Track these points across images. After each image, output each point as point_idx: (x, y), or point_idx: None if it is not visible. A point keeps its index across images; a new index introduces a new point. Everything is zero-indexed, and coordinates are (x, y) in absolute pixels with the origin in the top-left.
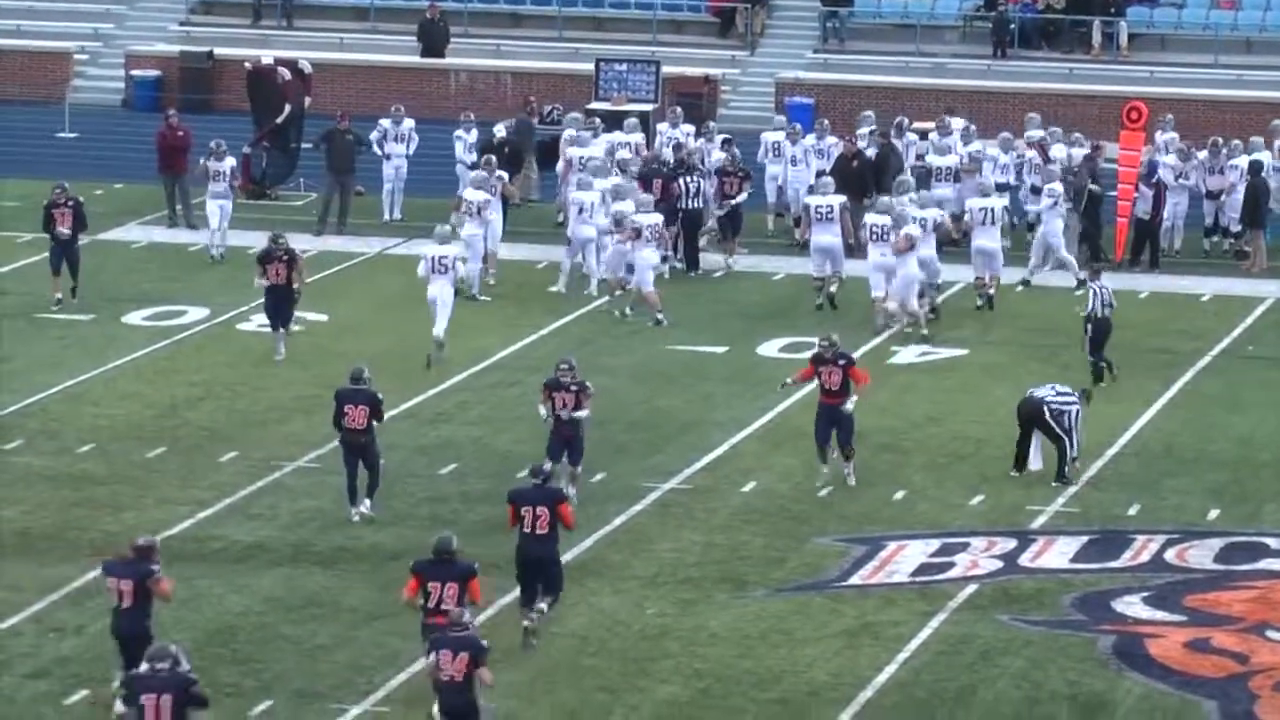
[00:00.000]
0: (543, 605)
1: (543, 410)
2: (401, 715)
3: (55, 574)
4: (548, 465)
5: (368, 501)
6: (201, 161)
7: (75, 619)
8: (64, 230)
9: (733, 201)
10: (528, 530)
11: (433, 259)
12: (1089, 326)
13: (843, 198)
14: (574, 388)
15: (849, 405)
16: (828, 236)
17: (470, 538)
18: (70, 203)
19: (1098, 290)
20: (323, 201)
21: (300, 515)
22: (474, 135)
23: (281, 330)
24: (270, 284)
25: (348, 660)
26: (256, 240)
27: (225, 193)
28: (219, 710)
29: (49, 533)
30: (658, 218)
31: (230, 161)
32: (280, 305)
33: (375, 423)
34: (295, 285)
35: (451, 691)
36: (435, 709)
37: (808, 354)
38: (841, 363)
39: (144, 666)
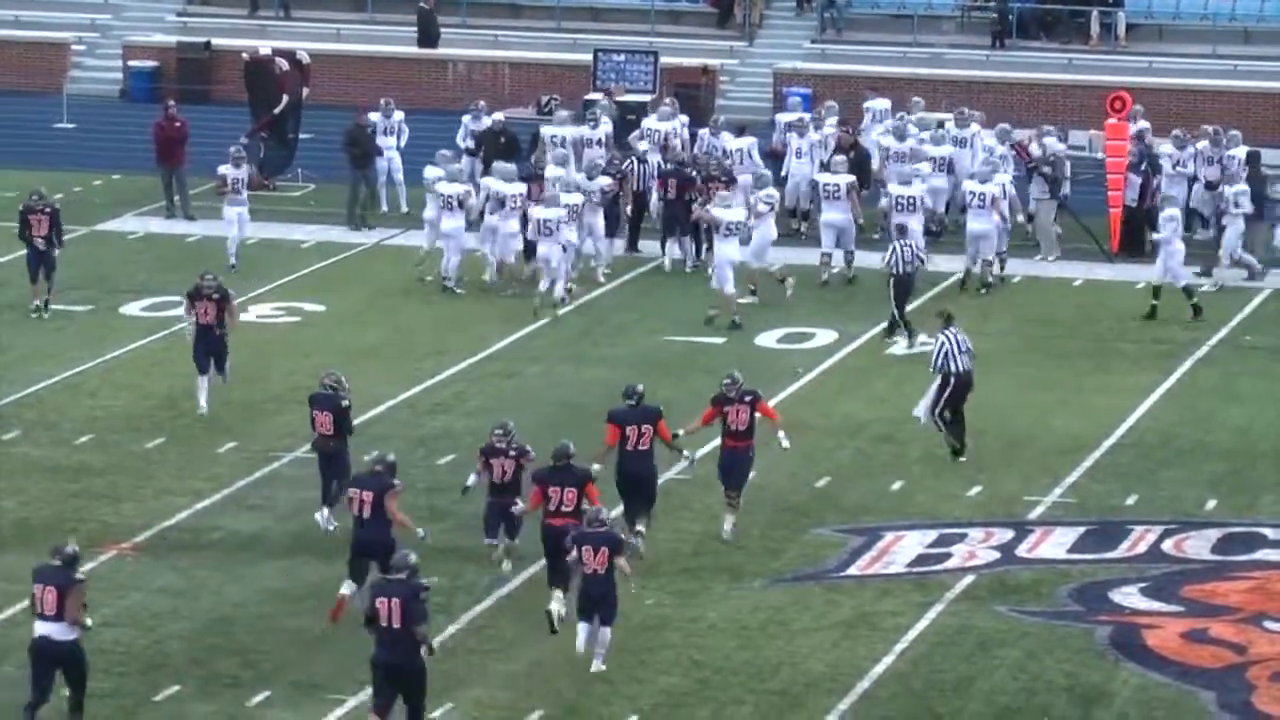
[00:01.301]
0: (641, 527)
1: (471, 479)
2: (400, 705)
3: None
4: (638, 387)
5: (326, 511)
6: (220, 170)
7: None
8: (39, 237)
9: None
10: (630, 448)
11: (445, 197)
12: (890, 282)
13: (852, 177)
14: (513, 453)
15: (785, 443)
16: (836, 214)
17: (469, 530)
18: (47, 209)
19: (899, 248)
20: (351, 197)
21: (298, 506)
22: (486, 123)
23: (211, 377)
24: (200, 324)
25: (346, 651)
26: (255, 230)
27: (244, 200)
28: (216, 701)
29: (47, 523)
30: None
31: (246, 169)
32: (211, 347)
33: (345, 433)
34: (227, 327)
35: (594, 582)
36: (553, 605)
37: (809, 344)
38: (748, 399)
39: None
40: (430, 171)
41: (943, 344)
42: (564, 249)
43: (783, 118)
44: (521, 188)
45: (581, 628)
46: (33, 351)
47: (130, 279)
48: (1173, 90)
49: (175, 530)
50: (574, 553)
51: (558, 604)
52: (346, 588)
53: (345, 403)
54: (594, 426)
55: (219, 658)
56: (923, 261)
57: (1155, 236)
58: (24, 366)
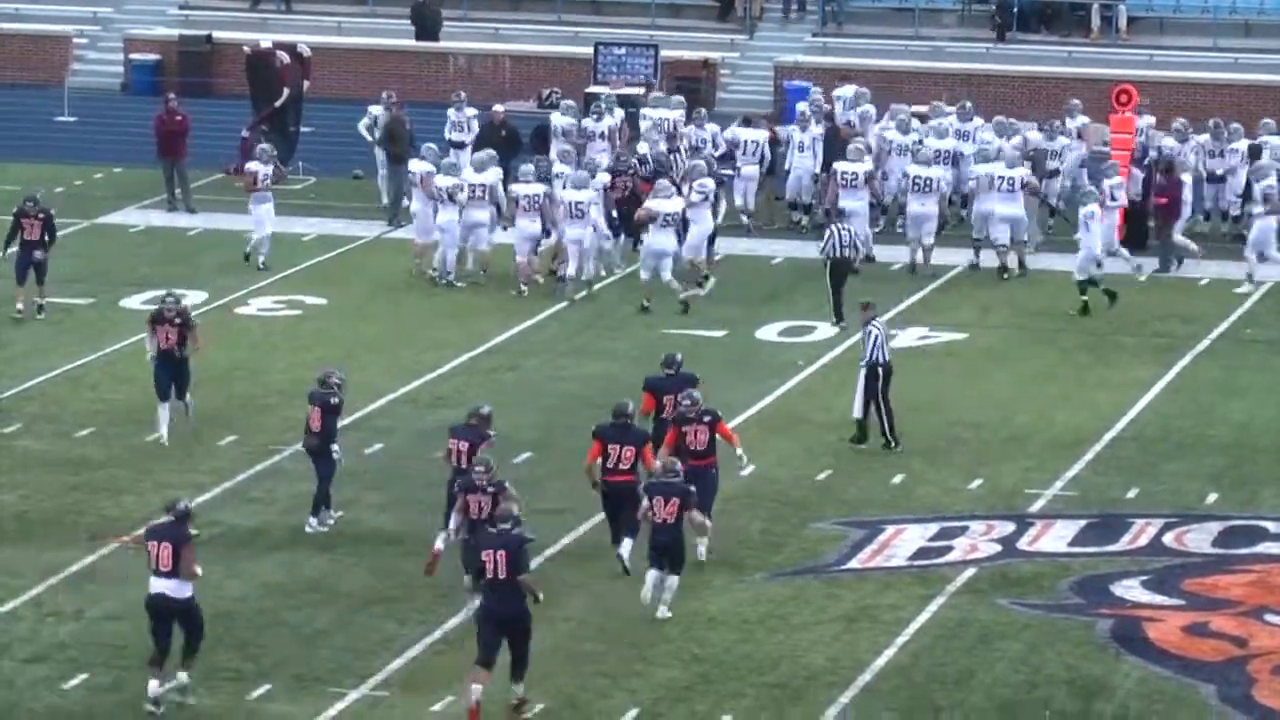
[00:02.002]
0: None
1: (453, 522)
2: (401, 698)
3: (54, 558)
4: (677, 356)
5: (312, 519)
6: (249, 166)
7: (74, 603)
8: (34, 243)
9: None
10: (666, 416)
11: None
12: (826, 266)
13: (870, 165)
14: (490, 489)
15: (747, 466)
16: (854, 202)
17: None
18: (41, 214)
19: (837, 231)
20: (391, 192)
21: (299, 499)
22: (469, 113)
23: (172, 404)
24: (162, 349)
25: (346, 644)
26: (253, 224)
27: (270, 197)
28: (216, 694)
29: (47, 517)
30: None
31: (274, 167)
32: (172, 373)
33: (332, 428)
34: (190, 352)
35: (662, 531)
36: (622, 549)
37: (809, 338)
38: (708, 419)
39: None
40: (416, 165)
41: (875, 335)
42: (594, 229)
43: (802, 106)
44: (494, 175)
45: (650, 575)
46: (34, 345)
47: (131, 272)
48: (1174, 83)
49: None
50: (645, 502)
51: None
52: (440, 541)
53: (335, 400)
54: (595, 418)
55: (219, 651)
56: (860, 249)
57: (1076, 236)
58: (25, 360)
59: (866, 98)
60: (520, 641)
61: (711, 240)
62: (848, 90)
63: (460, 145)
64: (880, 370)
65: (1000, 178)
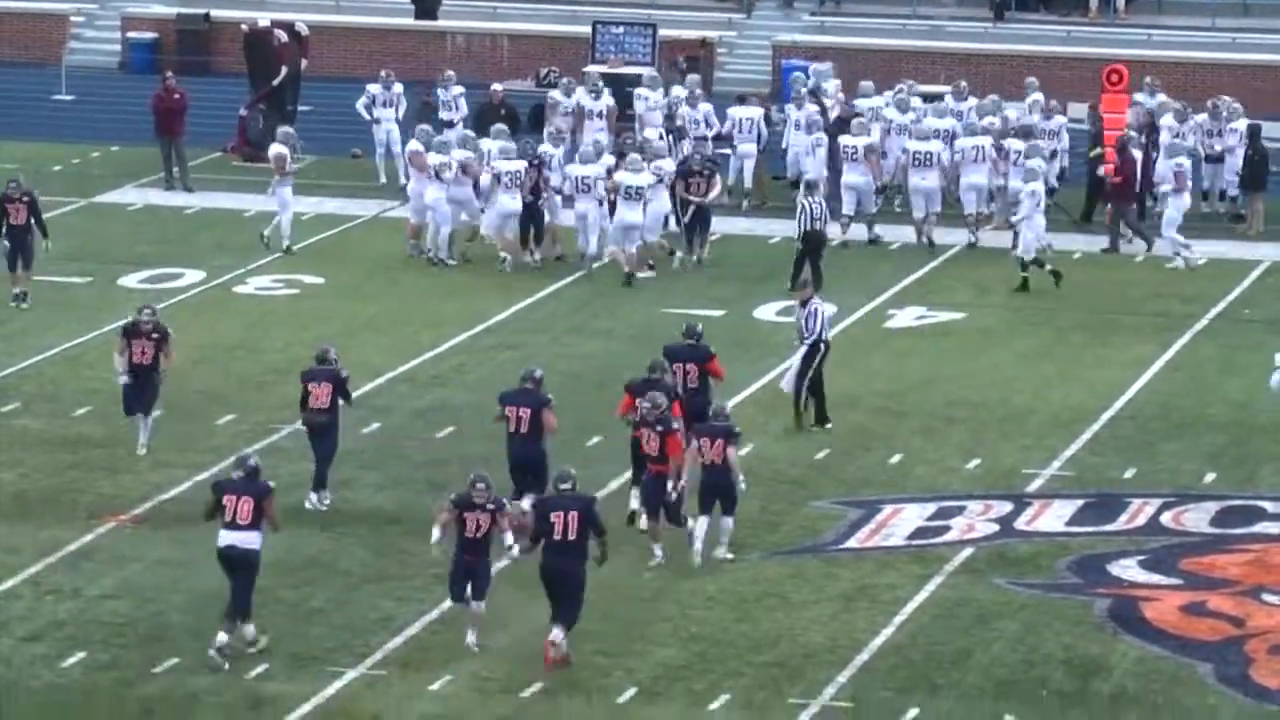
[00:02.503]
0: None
1: (435, 534)
2: (398, 677)
3: (52, 536)
4: (698, 326)
5: (314, 495)
6: (273, 149)
7: (72, 582)
8: (21, 228)
9: (694, 200)
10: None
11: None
12: (799, 238)
13: (873, 139)
14: (490, 507)
15: (673, 492)
16: (856, 176)
17: None
18: (25, 197)
19: (809, 205)
20: None
21: (297, 478)
22: (456, 91)
23: (142, 418)
24: (134, 365)
25: (344, 623)
26: (251, 203)
27: (292, 180)
28: (214, 676)
29: (46, 495)
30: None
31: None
32: (143, 389)
33: (342, 402)
34: (162, 368)
35: (712, 472)
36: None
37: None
38: (660, 429)
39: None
40: (411, 144)
41: (819, 311)
42: (600, 204)
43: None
44: (460, 155)
45: (701, 521)
46: (31, 323)
47: (129, 251)
48: (1172, 63)
49: (174, 502)
50: (693, 444)
51: (636, 501)
52: (527, 501)
53: (345, 374)
54: (593, 397)
55: (218, 630)
56: (825, 223)
57: (1014, 219)
58: (23, 338)
59: (827, 75)
60: (572, 601)
61: (706, 223)
62: (821, 67)
63: (449, 124)
64: (822, 347)
65: (1017, 152)
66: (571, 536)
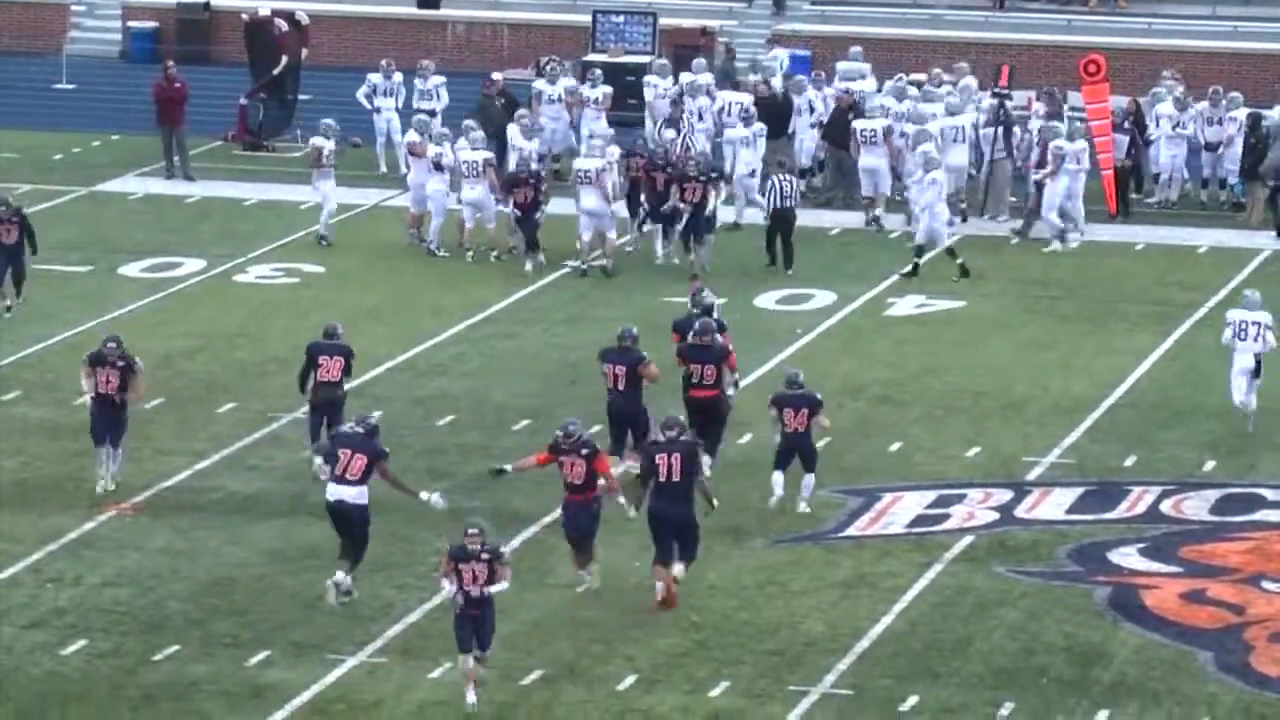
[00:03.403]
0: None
1: (446, 585)
2: (399, 665)
3: (53, 524)
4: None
5: (320, 460)
6: (312, 141)
7: (73, 569)
8: (13, 247)
9: (683, 206)
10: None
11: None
12: (768, 217)
13: (889, 122)
14: (485, 556)
15: (630, 512)
16: (873, 159)
17: (467, 491)
18: (15, 217)
19: (778, 183)
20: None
21: (297, 466)
22: (560, 87)
23: (108, 449)
24: (99, 394)
25: (345, 611)
26: (251, 191)
27: (332, 173)
28: (215, 661)
29: (46, 484)
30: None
31: (334, 142)
32: (111, 419)
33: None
34: (129, 401)
35: (796, 438)
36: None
37: (808, 305)
38: (585, 452)
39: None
40: (410, 134)
41: (770, 184)
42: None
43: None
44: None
45: (777, 476)
46: (32, 312)
47: (130, 239)
48: (1172, 52)
49: (174, 490)
50: (773, 412)
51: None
52: (628, 462)
53: (352, 349)
54: (593, 387)
55: (218, 618)
56: (795, 202)
57: (916, 207)
58: (24, 327)
59: (966, 71)
60: (689, 542)
61: (705, 229)
62: (782, 54)
63: (431, 114)
64: (770, 218)
65: (955, 129)
66: (675, 478)
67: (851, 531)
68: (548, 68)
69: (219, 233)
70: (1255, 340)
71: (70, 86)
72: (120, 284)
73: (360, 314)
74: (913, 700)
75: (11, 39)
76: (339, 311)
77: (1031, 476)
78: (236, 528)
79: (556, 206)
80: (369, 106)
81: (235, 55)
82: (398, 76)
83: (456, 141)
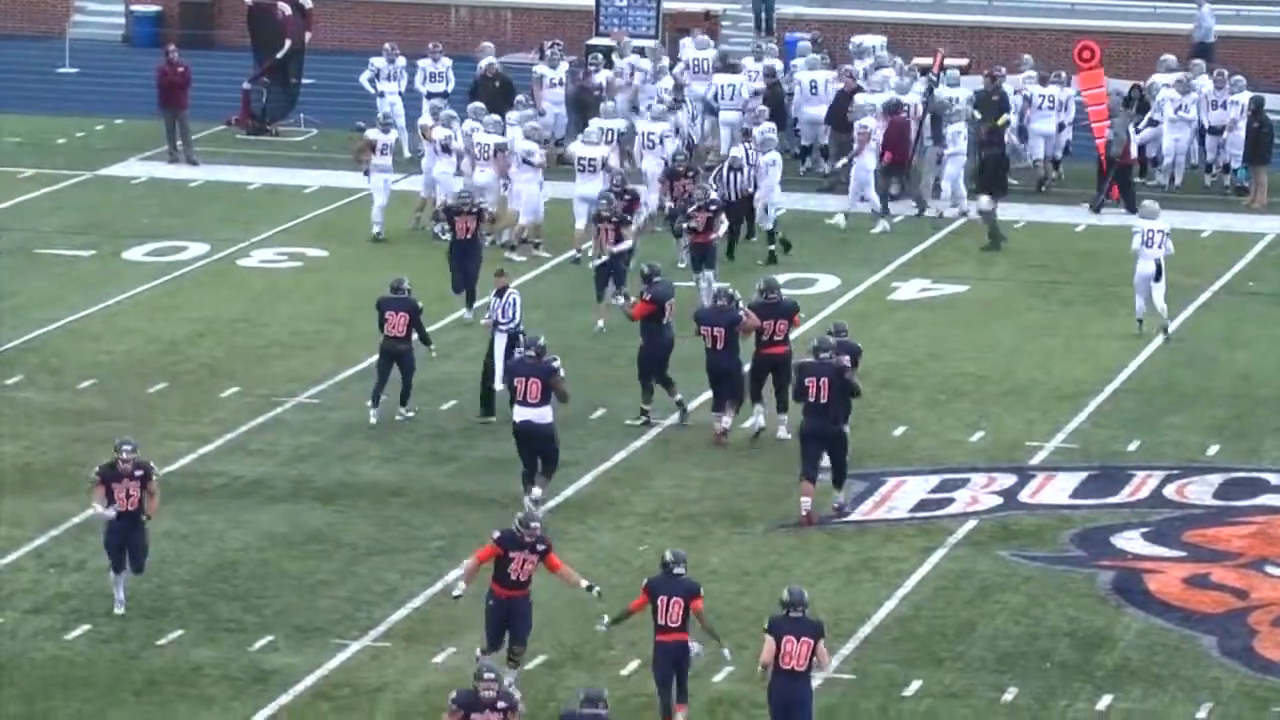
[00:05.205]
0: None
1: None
2: (403, 650)
3: (56, 509)
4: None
5: (402, 409)
6: (368, 134)
7: (76, 554)
8: None
9: (616, 250)
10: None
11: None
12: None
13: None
14: (540, 547)
15: (594, 588)
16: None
17: (469, 474)
18: None
19: (726, 174)
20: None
21: (301, 451)
22: (562, 70)
23: (127, 574)
24: (119, 511)
25: (348, 595)
26: (254, 176)
27: (389, 166)
28: (219, 645)
29: (50, 468)
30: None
31: (395, 135)
32: (135, 542)
33: (415, 334)
34: (148, 511)
35: (815, 415)
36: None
37: (811, 290)
38: (540, 549)
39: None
40: (423, 117)
41: (517, 301)
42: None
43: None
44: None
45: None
46: (35, 296)
47: (133, 223)
48: (1176, 35)
49: (178, 475)
50: (798, 382)
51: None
52: (726, 420)
53: (420, 304)
54: (595, 371)
55: (221, 602)
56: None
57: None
58: (26, 311)
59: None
60: (840, 454)
61: (709, 262)
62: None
63: (444, 96)
64: (521, 336)
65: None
66: (824, 399)
67: (855, 516)
68: (550, 52)
69: (222, 217)
70: (1159, 247)
71: (74, 70)
72: (123, 268)
73: (364, 298)
74: (916, 685)
75: (15, 22)
76: (342, 296)
77: (1035, 461)
78: (240, 512)
79: (558, 191)
80: (372, 91)
81: (238, 39)
82: (401, 61)
83: (463, 124)
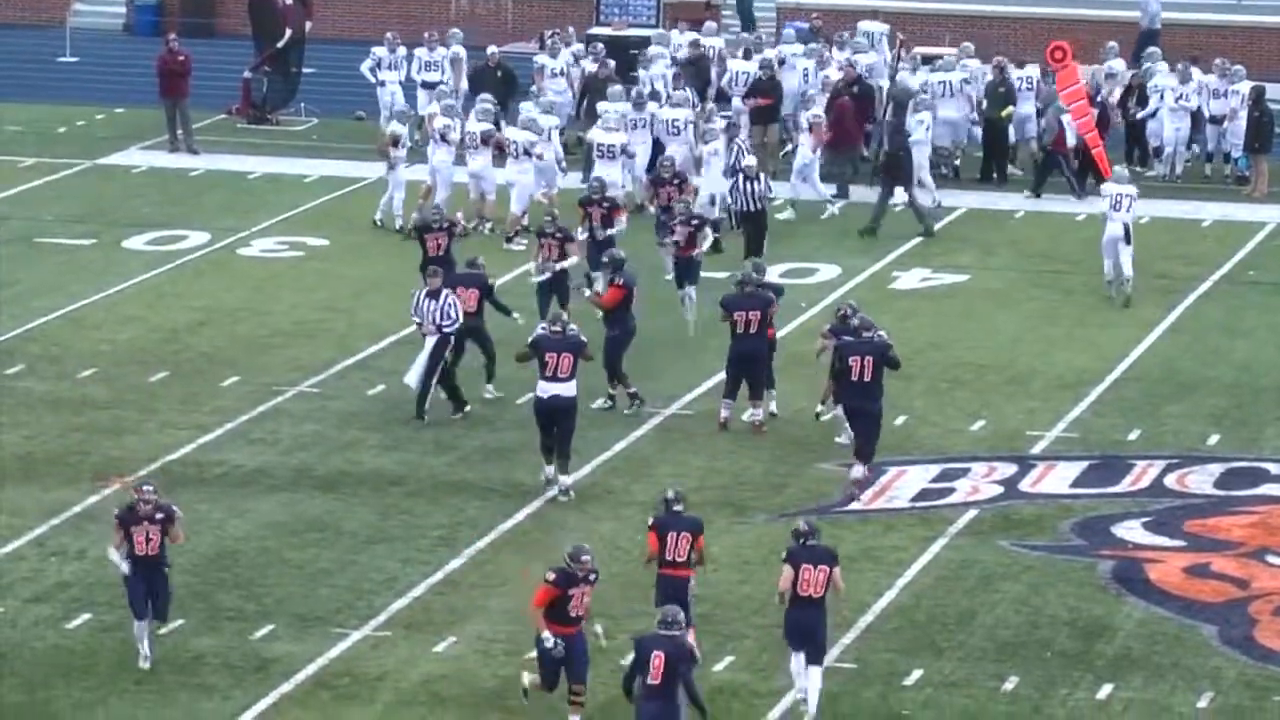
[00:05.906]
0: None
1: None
2: (403, 639)
3: (57, 498)
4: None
5: (489, 387)
6: (390, 128)
7: (76, 543)
8: None
9: (558, 267)
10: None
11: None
12: (738, 217)
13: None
14: (593, 577)
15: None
16: (952, 111)
17: (470, 463)
18: None
19: (743, 184)
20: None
21: (301, 440)
22: (563, 60)
23: (151, 620)
24: (138, 555)
25: (349, 584)
26: (255, 165)
27: (405, 159)
28: (219, 634)
29: (50, 457)
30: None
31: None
32: (157, 589)
33: (496, 306)
34: (169, 562)
35: (854, 394)
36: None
37: (812, 279)
38: (593, 579)
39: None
40: (430, 107)
41: (455, 301)
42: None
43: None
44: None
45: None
46: (36, 285)
47: (134, 212)
48: (1177, 25)
49: (178, 464)
50: (841, 360)
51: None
52: (725, 410)
53: (492, 281)
54: (597, 360)
55: (222, 591)
56: (766, 200)
57: (698, 179)
58: (27, 300)
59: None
60: (873, 432)
61: (693, 276)
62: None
63: (431, 85)
64: (453, 339)
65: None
66: (867, 378)
67: (855, 505)
68: (551, 41)
69: (223, 206)
70: (1127, 211)
71: (74, 59)
72: (124, 257)
73: (365, 287)
74: (916, 674)
75: (15, 11)
76: (343, 285)
77: (1036, 450)
78: (240, 501)
79: (564, 180)
80: (373, 80)
81: (239, 28)
82: (402, 50)
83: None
